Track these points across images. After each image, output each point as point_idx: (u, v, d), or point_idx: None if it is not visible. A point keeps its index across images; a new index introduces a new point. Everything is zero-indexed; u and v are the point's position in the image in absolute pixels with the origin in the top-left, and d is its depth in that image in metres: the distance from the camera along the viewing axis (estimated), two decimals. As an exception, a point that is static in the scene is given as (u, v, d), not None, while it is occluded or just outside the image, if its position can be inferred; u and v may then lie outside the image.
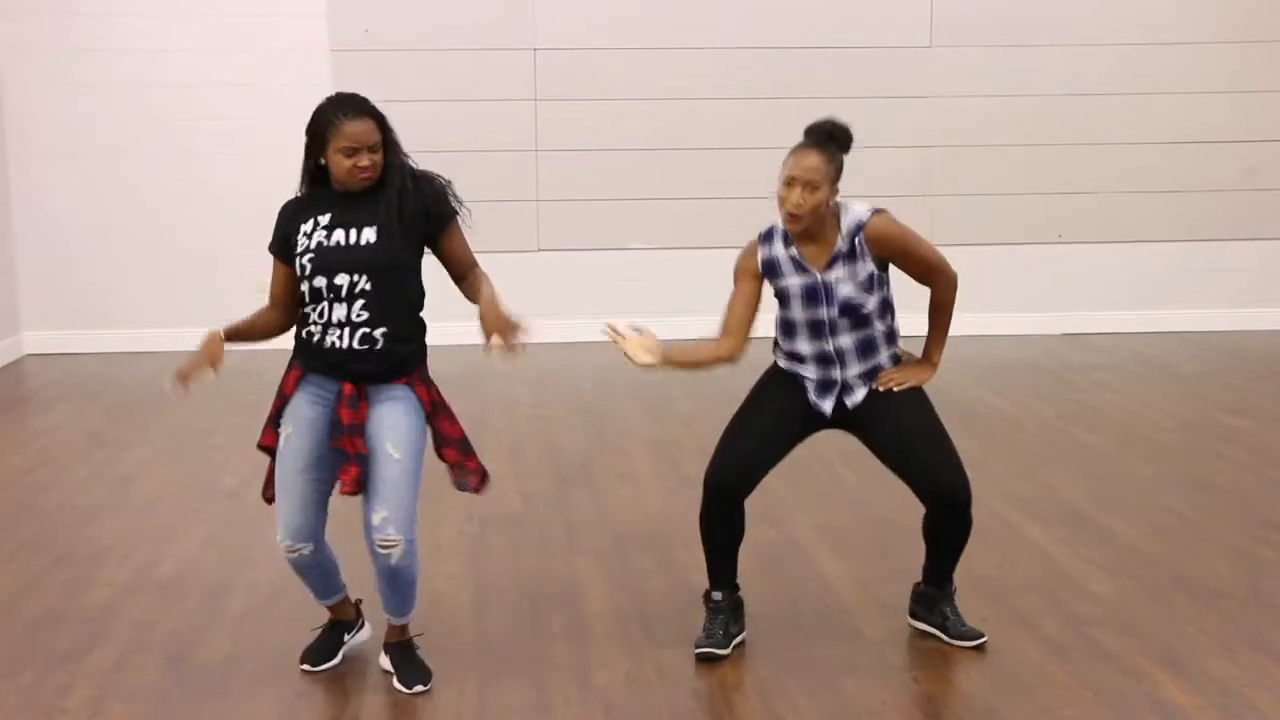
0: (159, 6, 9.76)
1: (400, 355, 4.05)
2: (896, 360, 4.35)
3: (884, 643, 4.48)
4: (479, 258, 4.17)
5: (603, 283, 10.20)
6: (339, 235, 4.00)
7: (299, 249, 4.03)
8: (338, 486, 4.10)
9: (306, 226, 4.04)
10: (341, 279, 3.97)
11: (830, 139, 4.15)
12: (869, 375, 4.29)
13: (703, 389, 8.41)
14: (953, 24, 10.14)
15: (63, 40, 9.69)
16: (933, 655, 4.37)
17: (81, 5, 9.70)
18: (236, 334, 4.15)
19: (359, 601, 4.46)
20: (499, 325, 3.88)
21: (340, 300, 3.99)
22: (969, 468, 4.29)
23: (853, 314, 4.20)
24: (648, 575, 5.14)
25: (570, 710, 4.03)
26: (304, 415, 4.08)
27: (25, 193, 9.82)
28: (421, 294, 4.13)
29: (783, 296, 4.28)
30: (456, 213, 4.13)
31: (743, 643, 4.43)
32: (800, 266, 4.21)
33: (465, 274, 4.15)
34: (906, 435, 4.24)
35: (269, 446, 4.16)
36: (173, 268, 9.94)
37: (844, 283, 4.17)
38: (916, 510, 4.37)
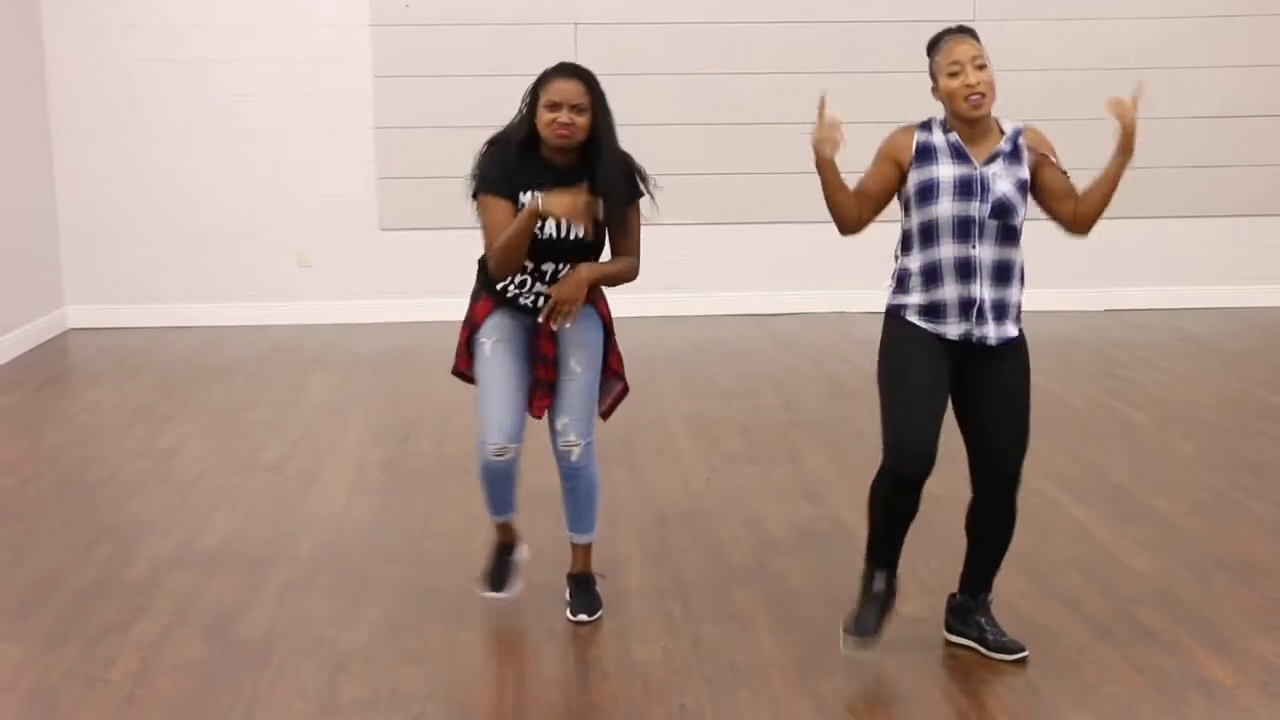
0: (201, -16, 9.80)
1: (591, 297, 4.40)
2: (1019, 308, 4.26)
3: (924, 619, 4.46)
4: None
5: (645, 257, 10.15)
6: (550, 227, 4.21)
7: None
8: None
9: (525, 199, 4.19)
10: (548, 266, 4.29)
11: (970, 33, 4.07)
12: (999, 309, 4.18)
13: (744, 365, 8.41)
14: (996, -3, 10.06)
15: (108, 20, 9.73)
16: (972, 632, 4.35)
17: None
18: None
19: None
20: (564, 291, 4.22)
21: (544, 281, 4.30)
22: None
23: (1003, 217, 4.09)
24: (687, 551, 5.15)
25: (608, 684, 4.04)
26: (506, 325, 4.34)
27: (68, 169, 9.88)
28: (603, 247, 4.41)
29: (928, 190, 4.03)
30: (635, 199, 4.42)
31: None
32: (960, 154, 4.06)
33: (616, 254, 4.43)
34: (1001, 402, 4.20)
35: (465, 371, 4.43)
36: (213, 243, 9.99)
37: (1001, 179, 4.09)
38: (956, 487, 4.34)
